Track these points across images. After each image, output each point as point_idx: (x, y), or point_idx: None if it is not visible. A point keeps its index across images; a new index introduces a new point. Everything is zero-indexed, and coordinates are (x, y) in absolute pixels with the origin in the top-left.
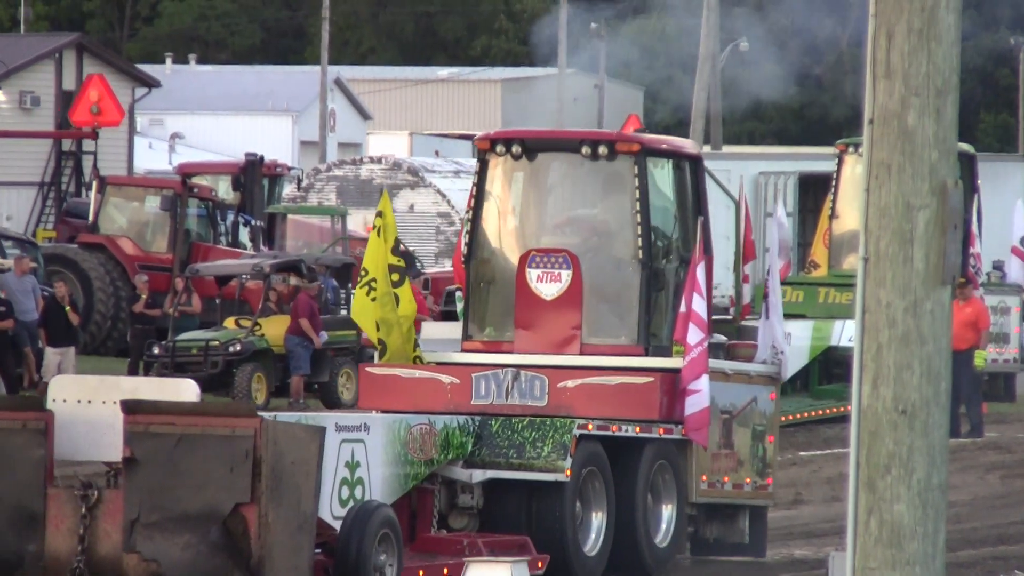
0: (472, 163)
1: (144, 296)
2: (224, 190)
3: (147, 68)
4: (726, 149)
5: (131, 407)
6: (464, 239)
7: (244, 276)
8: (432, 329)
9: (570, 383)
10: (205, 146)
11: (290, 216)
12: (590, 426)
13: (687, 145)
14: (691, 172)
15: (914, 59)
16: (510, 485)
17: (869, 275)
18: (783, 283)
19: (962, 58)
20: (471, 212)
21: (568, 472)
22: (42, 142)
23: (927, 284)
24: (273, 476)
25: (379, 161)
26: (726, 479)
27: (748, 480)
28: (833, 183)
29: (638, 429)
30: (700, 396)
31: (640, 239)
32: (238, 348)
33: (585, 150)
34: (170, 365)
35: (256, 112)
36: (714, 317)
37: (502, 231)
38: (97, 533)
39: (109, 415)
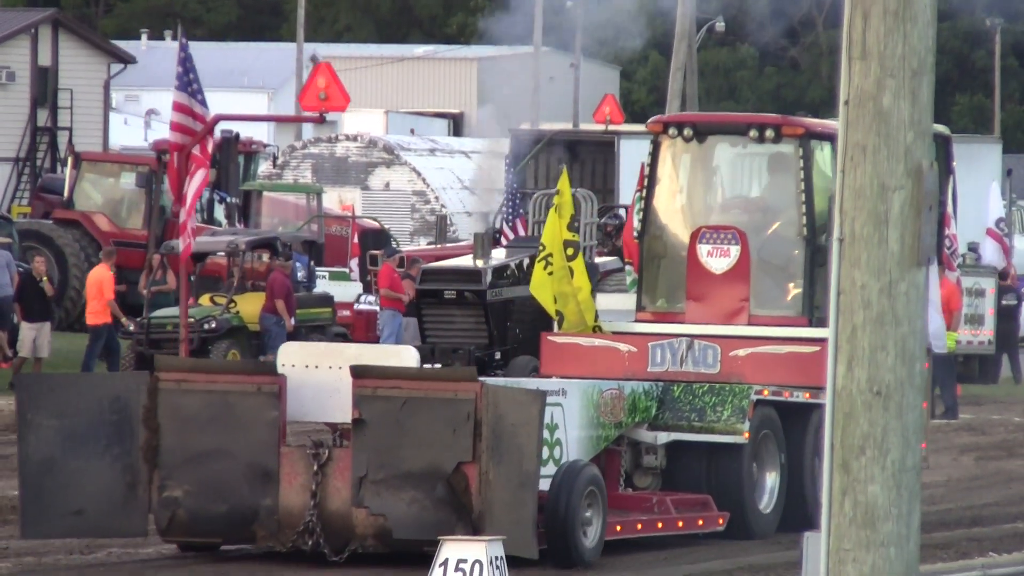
0: (447, 141)
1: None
2: None
3: (122, 44)
4: None
5: (359, 372)
6: (637, 216)
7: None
8: (603, 300)
9: (741, 352)
10: None
11: (265, 193)
12: (766, 392)
13: None
14: None
15: (889, 40)
16: (691, 446)
17: (844, 256)
18: None
19: (938, 39)
20: (644, 191)
21: (746, 435)
22: (16, 117)
23: (902, 265)
24: (494, 436)
25: (355, 139)
26: None
27: None
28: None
29: (808, 395)
30: None
31: (804, 217)
32: (213, 325)
33: (752, 133)
34: (145, 342)
35: (232, 89)
36: None
37: (673, 209)
38: (328, 489)
39: (334, 379)
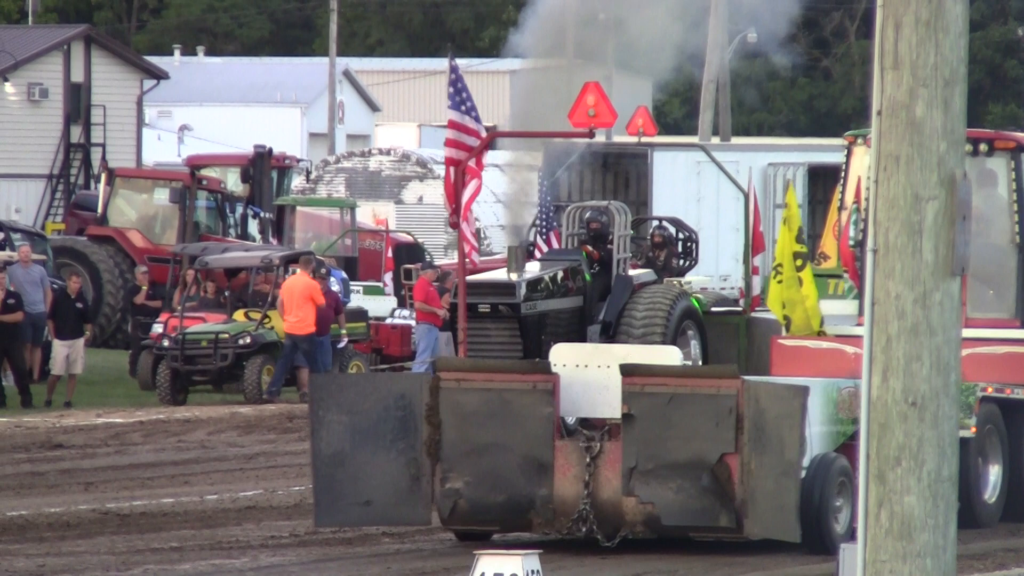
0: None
1: (144, 288)
2: (233, 182)
3: (155, 60)
4: (735, 140)
5: (628, 370)
6: (856, 226)
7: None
8: (826, 306)
9: (961, 352)
10: (214, 138)
11: (299, 208)
12: (990, 389)
13: None
14: None
15: (922, 50)
16: None
17: (878, 266)
18: None
19: (969, 49)
20: (862, 199)
21: (973, 429)
22: (49, 134)
23: (936, 275)
24: (755, 429)
25: (388, 153)
26: None
27: None
28: (842, 174)
29: None
30: None
31: (1017, 225)
32: (248, 341)
33: (967, 147)
34: (179, 358)
35: (265, 104)
36: (725, 308)
37: None
38: (599, 480)
39: (603, 377)
